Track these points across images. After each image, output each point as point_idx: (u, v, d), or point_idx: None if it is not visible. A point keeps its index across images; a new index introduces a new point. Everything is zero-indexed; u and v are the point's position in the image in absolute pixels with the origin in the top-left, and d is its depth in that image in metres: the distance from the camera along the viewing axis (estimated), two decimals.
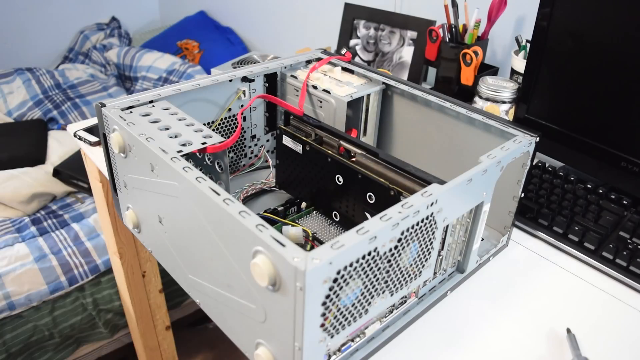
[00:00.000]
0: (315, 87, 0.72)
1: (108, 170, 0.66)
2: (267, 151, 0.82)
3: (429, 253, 0.51)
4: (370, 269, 0.44)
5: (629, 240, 0.66)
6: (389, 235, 0.43)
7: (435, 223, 0.49)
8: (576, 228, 0.67)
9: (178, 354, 1.28)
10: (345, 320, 0.45)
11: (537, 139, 0.59)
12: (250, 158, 0.80)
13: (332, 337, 0.44)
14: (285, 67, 0.78)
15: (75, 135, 0.91)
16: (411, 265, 0.50)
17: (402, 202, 0.45)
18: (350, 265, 0.41)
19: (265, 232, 0.40)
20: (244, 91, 0.74)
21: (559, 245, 0.68)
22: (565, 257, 0.66)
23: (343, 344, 0.49)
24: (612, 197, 0.72)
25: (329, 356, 0.49)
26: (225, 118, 0.74)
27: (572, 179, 0.76)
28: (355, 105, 0.72)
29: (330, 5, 1.32)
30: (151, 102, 0.63)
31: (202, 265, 0.52)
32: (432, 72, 1.09)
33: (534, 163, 0.80)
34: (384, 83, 0.73)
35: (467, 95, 0.95)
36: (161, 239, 0.59)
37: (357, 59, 1.14)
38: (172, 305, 1.45)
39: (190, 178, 0.47)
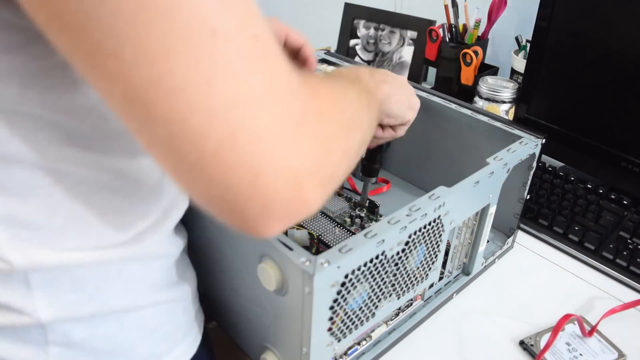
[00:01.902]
0: None
1: None
2: None
3: (436, 256, 0.51)
4: (378, 273, 0.44)
5: (629, 240, 0.66)
6: (396, 239, 0.43)
7: (442, 226, 0.49)
8: (576, 228, 0.68)
9: None
10: (352, 323, 0.45)
11: (544, 140, 0.59)
12: None
13: (339, 341, 0.44)
14: None
15: None
16: (418, 268, 0.50)
17: (409, 205, 0.45)
18: (358, 268, 0.41)
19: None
20: None
21: (559, 245, 0.68)
22: (566, 257, 0.67)
23: (349, 348, 0.49)
24: (612, 197, 0.73)
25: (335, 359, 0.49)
26: None
27: (572, 179, 0.76)
28: None
29: (330, 5, 1.32)
30: None
31: (207, 270, 0.52)
32: (432, 72, 1.09)
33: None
34: None
35: (467, 95, 0.95)
36: None
37: (357, 59, 1.15)
38: None
39: None
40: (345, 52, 1.16)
